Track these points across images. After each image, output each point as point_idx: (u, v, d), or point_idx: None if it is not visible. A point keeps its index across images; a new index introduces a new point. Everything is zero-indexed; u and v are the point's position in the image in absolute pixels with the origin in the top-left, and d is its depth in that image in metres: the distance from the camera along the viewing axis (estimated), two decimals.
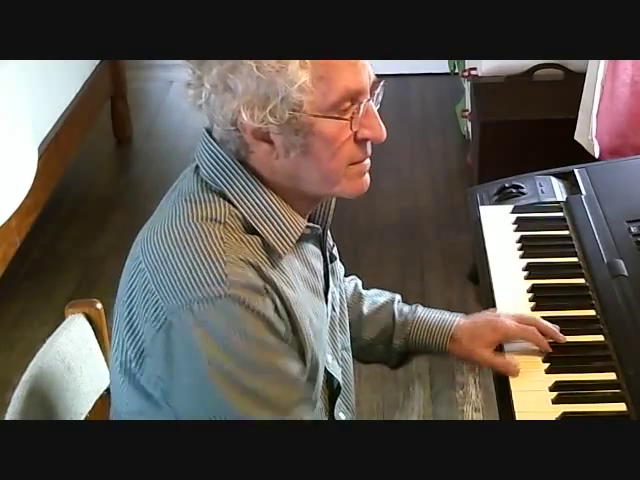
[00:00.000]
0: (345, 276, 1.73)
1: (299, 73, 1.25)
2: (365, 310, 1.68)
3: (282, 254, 1.33)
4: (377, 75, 1.35)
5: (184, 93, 1.32)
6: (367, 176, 1.38)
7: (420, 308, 1.68)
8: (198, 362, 1.25)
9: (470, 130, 3.85)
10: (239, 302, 1.25)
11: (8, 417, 1.43)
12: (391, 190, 3.93)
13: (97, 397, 1.63)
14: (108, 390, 1.66)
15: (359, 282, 1.74)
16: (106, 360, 1.64)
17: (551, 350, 1.55)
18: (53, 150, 3.43)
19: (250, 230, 1.32)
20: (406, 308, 1.68)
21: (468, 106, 3.92)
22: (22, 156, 3.06)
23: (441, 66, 4.50)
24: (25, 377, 1.48)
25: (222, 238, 1.29)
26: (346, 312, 1.58)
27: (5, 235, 3.00)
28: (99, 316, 1.64)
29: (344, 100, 1.29)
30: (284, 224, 1.34)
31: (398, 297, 1.72)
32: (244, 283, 1.26)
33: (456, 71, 4.16)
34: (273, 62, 1.25)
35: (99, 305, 1.64)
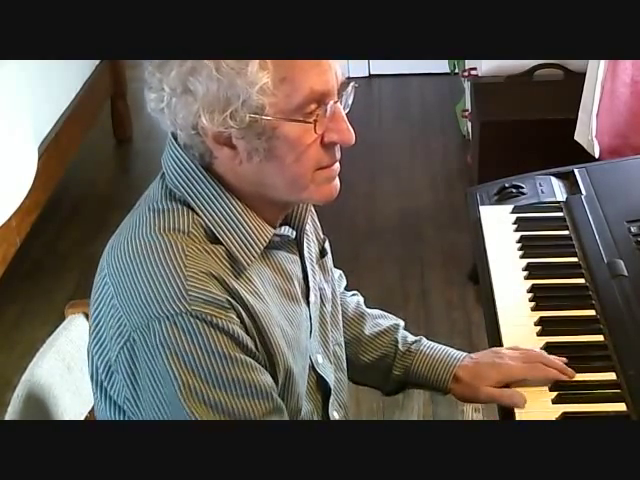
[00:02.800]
0: (346, 289, 1.70)
1: (259, 74, 1.21)
2: (366, 332, 1.64)
3: (246, 265, 1.30)
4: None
5: (146, 97, 1.28)
6: (337, 181, 1.33)
7: (425, 340, 1.63)
8: (162, 380, 1.23)
9: (470, 130, 3.85)
10: (200, 318, 1.22)
11: (8, 417, 1.43)
12: (391, 190, 3.94)
13: None
14: None
15: (361, 299, 1.70)
16: None
17: (563, 377, 1.49)
18: (53, 150, 3.44)
19: (214, 240, 1.29)
20: (410, 338, 1.64)
21: (468, 106, 3.92)
22: (22, 156, 3.06)
23: (441, 66, 4.50)
24: (25, 377, 1.48)
25: (184, 250, 1.25)
26: (339, 308, 1.55)
27: (5, 235, 3.00)
28: None
29: (309, 102, 1.24)
30: (249, 233, 1.30)
31: (402, 323, 1.67)
32: (206, 298, 1.23)
33: (456, 71, 4.16)
34: (233, 63, 1.21)
35: None
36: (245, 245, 1.30)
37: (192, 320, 1.22)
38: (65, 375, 1.55)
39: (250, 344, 1.27)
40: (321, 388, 1.47)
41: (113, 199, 3.93)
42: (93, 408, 1.60)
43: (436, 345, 1.62)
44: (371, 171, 4.05)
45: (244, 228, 1.30)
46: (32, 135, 3.16)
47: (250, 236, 1.31)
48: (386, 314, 1.69)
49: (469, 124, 3.91)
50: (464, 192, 2.17)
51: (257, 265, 1.33)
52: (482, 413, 2.72)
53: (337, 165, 1.32)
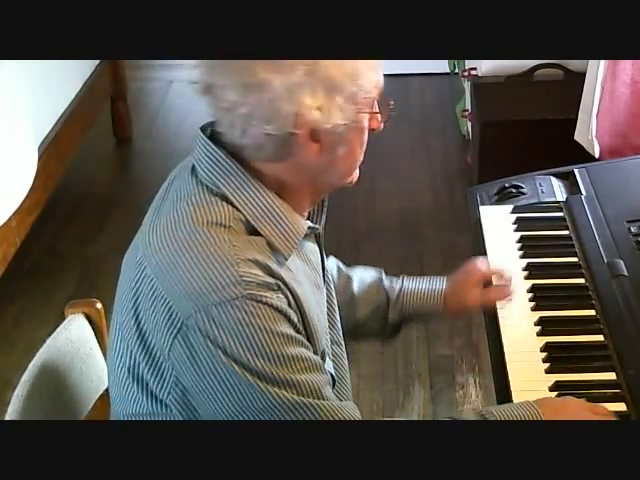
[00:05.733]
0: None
1: (370, 74, 1.31)
2: (355, 290, 1.70)
3: (286, 256, 1.34)
4: None
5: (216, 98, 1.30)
6: None
7: (406, 279, 1.72)
8: (224, 364, 1.26)
9: (470, 130, 3.85)
10: (256, 300, 1.26)
11: (8, 417, 1.43)
12: (391, 190, 3.94)
13: (97, 397, 1.63)
14: (108, 390, 1.66)
15: (340, 262, 1.74)
16: (106, 360, 1.64)
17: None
18: (53, 150, 3.43)
19: (254, 232, 1.33)
20: (395, 283, 1.71)
21: (468, 106, 3.92)
22: (22, 156, 3.06)
23: (441, 66, 4.50)
24: (25, 377, 1.48)
25: (230, 241, 1.29)
26: (336, 307, 1.58)
27: (5, 235, 3.00)
28: (99, 316, 1.64)
29: (378, 95, 1.35)
30: (287, 226, 1.35)
31: (382, 271, 1.74)
32: (258, 282, 1.27)
33: (456, 71, 4.16)
34: (348, 68, 1.28)
35: (99, 305, 1.64)
36: (285, 237, 1.35)
37: (249, 302, 1.26)
38: (65, 375, 1.55)
39: (299, 325, 1.33)
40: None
41: (113, 199, 3.93)
42: (92, 408, 1.61)
43: (417, 279, 1.72)
44: (371, 171, 4.04)
45: (282, 221, 1.35)
46: (32, 135, 3.16)
47: (289, 228, 1.35)
48: (366, 268, 1.75)
49: (469, 124, 3.91)
50: (464, 192, 2.17)
51: (291, 256, 1.37)
52: None
53: None
